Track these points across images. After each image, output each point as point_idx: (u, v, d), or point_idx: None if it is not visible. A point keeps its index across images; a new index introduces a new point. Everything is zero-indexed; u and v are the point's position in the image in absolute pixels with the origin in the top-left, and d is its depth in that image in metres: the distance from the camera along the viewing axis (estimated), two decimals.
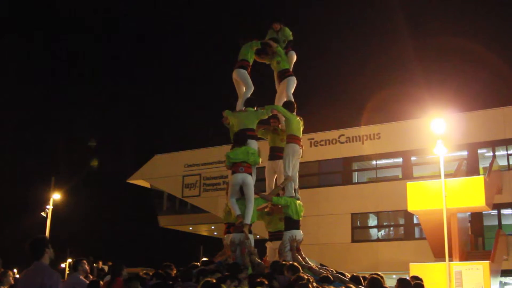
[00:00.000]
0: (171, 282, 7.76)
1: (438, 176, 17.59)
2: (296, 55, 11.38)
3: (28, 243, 5.19)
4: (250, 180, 9.49)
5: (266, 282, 7.03)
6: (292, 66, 11.21)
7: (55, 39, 71.39)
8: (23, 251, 5.21)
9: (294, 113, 10.34)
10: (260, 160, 9.82)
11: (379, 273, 7.70)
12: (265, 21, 11.60)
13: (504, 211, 23.31)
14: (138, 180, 34.52)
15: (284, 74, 10.94)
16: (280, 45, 11.15)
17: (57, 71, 73.73)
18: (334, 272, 9.10)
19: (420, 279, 8.06)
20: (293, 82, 10.88)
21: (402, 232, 25.35)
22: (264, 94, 11.48)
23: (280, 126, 10.75)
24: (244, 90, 10.74)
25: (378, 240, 25.75)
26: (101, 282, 8.11)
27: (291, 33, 11.37)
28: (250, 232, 9.38)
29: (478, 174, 21.63)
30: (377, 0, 57.91)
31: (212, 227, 35.19)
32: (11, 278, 8.53)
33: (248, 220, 9.29)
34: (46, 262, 5.15)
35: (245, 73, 10.69)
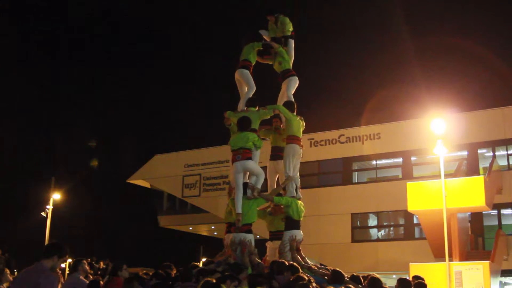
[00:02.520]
0: (171, 282, 7.76)
1: (438, 176, 17.58)
2: (296, 55, 11.35)
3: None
4: (251, 164, 9.56)
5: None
6: (292, 55, 11.16)
7: (55, 39, 71.43)
8: (23, 250, 5.20)
9: (295, 113, 10.35)
10: (262, 144, 9.85)
11: (375, 274, 7.73)
12: (262, 17, 11.51)
13: (504, 211, 23.31)
14: (138, 180, 34.52)
15: (285, 74, 10.96)
16: (280, 31, 11.12)
17: (57, 71, 73.78)
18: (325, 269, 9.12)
19: (422, 279, 8.08)
20: (294, 82, 10.88)
21: (402, 232, 25.34)
22: (266, 94, 11.48)
23: (282, 126, 10.74)
24: (246, 90, 10.76)
25: (378, 240, 25.76)
26: (102, 282, 8.12)
27: (290, 24, 11.25)
28: (251, 231, 9.40)
29: (478, 174, 21.63)
30: (377, 0, 57.89)
31: (212, 227, 35.19)
32: (8, 275, 8.51)
33: (259, 186, 9.56)
34: (47, 265, 5.15)
35: (247, 73, 10.71)
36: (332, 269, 8.47)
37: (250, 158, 9.57)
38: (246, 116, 9.93)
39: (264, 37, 11.36)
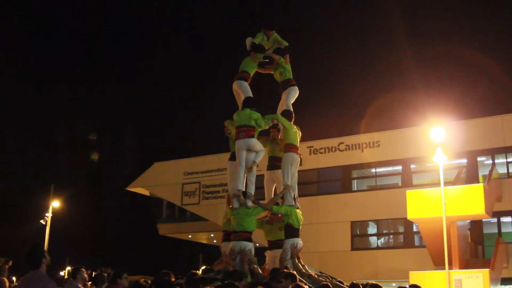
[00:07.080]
0: None
1: (437, 184, 17.60)
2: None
3: (24, 253, 5.10)
4: (254, 141, 9.75)
5: None
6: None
7: (56, 40, 71.57)
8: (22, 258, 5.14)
9: (292, 123, 10.41)
10: (264, 124, 9.97)
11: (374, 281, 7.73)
12: (258, 24, 11.57)
13: (504, 219, 23.30)
14: (138, 188, 34.50)
15: (286, 84, 11.03)
16: (269, 44, 11.19)
17: (58, 73, 73.81)
18: (333, 280, 9.11)
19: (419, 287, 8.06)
20: (294, 92, 10.97)
21: (402, 240, 25.31)
22: (264, 104, 11.51)
23: (279, 136, 10.78)
24: None
25: (377, 248, 25.71)
26: None
27: (280, 38, 11.35)
28: (251, 240, 9.41)
29: (478, 182, 21.64)
30: (377, 7, 58.18)
31: (212, 235, 35.12)
32: (6, 285, 8.50)
33: (257, 161, 9.78)
34: (43, 270, 5.12)
35: (245, 84, 10.76)
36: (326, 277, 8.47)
37: (253, 136, 9.77)
38: (250, 96, 10.20)
39: (247, 42, 11.28)
